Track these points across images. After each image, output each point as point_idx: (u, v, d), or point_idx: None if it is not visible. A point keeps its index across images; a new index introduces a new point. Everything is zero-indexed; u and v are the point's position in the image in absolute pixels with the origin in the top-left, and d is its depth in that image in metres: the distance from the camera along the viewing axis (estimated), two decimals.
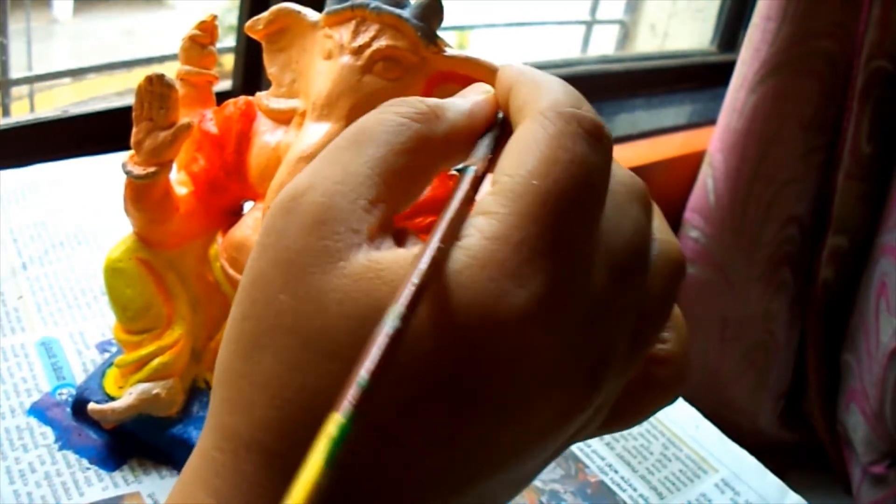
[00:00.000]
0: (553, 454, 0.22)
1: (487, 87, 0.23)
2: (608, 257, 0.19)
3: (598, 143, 0.20)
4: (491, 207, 0.19)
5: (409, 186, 0.21)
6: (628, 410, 0.23)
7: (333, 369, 0.18)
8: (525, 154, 0.19)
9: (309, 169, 0.20)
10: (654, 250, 0.22)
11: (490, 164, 0.21)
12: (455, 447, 0.18)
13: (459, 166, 0.21)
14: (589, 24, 1.42)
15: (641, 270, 0.21)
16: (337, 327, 0.18)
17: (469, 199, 0.20)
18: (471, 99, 0.22)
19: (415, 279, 0.17)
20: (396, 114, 0.21)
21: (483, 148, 0.22)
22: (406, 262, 0.18)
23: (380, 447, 0.18)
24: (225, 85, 0.86)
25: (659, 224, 0.22)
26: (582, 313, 0.19)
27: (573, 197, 0.19)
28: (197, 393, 0.41)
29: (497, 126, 0.22)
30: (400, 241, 0.20)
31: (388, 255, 0.19)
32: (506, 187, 0.19)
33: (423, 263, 0.17)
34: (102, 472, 0.39)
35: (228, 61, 0.86)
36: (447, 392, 0.18)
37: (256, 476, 0.19)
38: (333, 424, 0.15)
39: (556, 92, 0.21)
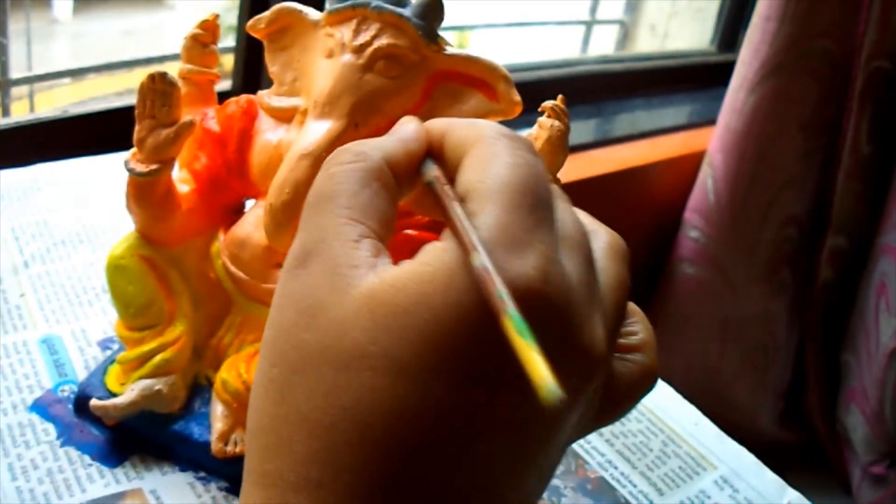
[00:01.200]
0: (565, 445, 0.23)
1: (415, 119, 0.26)
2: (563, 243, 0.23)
3: (536, 153, 0.24)
4: (477, 208, 0.22)
5: (377, 213, 0.23)
6: (618, 400, 0.25)
7: (366, 379, 0.20)
8: (489, 164, 0.22)
9: (298, 239, 0.23)
10: (600, 241, 0.24)
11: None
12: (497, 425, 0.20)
13: (426, 181, 0.25)
14: (589, 25, 1.42)
15: (591, 255, 0.24)
16: (362, 340, 0.20)
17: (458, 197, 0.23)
18: (400, 132, 0.26)
19: (477, 243, 0.20)
20: (338, 164, 0.24)
21: (432, 167, 0.25)
22: (407, 269, 0.21)
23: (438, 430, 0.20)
24: (225, 85, 0.86)
25: (583, 217, 0.25)
26: (573, 284, 0.21)
27: (535, 189, 0.22)
28: (198, 389, 0.41)
29: (430, 156, 0.26)
30: (396, 261, 0.22)
31: (391, 269, 0.21)
32: (482, 189, 0.22)
33: (475, 237, 0.20)
34: (104, 469, 0.39)
35: (228, 61, 0.87)
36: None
37: None
38: (507, 319, 0.19)
39: (490, 125, 0.24)
